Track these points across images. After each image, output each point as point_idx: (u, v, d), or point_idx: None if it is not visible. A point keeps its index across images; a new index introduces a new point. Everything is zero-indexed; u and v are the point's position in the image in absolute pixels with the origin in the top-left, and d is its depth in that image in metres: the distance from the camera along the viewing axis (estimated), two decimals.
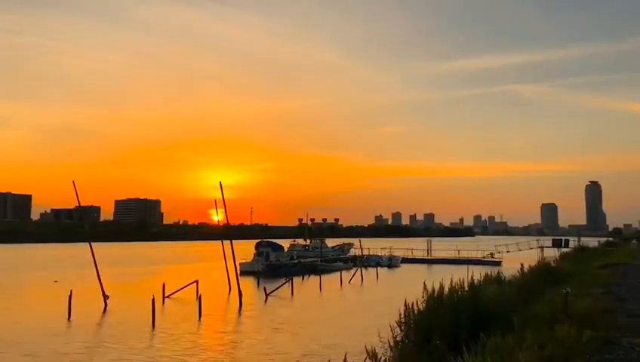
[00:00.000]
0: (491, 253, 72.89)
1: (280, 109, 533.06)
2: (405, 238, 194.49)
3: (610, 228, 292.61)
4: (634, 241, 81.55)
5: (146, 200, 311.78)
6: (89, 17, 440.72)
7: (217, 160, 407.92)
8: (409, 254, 78.12)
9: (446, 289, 11.31)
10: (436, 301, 10.68)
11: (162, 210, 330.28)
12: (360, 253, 70.77)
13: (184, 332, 24.20)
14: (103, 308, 31.05)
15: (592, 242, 76.64)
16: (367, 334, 16.86)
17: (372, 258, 70.43)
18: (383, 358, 8.93)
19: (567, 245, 70.62)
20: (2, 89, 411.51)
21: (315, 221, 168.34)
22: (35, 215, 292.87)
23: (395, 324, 10.50)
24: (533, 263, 26.18)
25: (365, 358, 8.61)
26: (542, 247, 70.35)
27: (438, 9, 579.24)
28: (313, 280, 48.94)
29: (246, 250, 56.60)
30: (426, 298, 10.93)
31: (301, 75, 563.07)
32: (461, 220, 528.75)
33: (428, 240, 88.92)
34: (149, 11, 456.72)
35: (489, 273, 16.70)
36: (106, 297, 32.02)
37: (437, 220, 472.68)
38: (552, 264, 29.99)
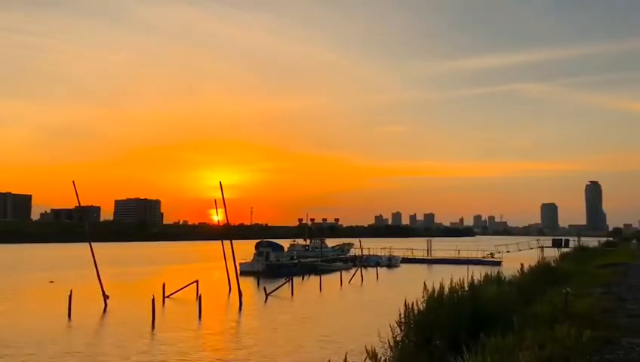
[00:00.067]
0: (491, 253, 72.87)
1: (280, 109, 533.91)
2: (405, 238, 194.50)
3: (610, 228, 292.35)
4: (634, 241, 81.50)
5: (146, 200, 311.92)
6: (89, 17, 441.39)
7: (217, 160, 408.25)
8: (409, 254, 78.11)
9: (446, 289, 11.30)
10: (436, 301, 10.68)
11: (162, 210, 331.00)
12: (360, 253, 70.80)
13: (184, 333, 24.20)
14: (103, 308, 31.05)
15: (592, 242, 76.63)
16: (367, 334, 16.87)
17: (372, 258, 70.42)
18: (383, 358, 8.92)
19: (567, 245, 70.61)
20: (2, 88, 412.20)
21: (315, 221, 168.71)
22: (35, 215, 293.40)
23: (395, 324, 10.50)
24: (533, 263, 26.17)
25: (365, 358, 8.61)
26: (542, 247, 70.34)
27: (439, 9, 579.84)
28: (313, 280, 48.95)
29: (246, 250, 56.61)
30: (426, 298, 10.92)
31: (301, 75, 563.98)
32: (461, 220, 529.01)
33: (428, 240, 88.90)
34: (150, 11, 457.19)
35: (489, 273, 16.69)
36: (106, 297, 32.02)
37: (437, 220, 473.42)
38: (552, 264, 29.99)
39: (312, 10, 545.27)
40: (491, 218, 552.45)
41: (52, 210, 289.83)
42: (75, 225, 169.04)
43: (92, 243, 34.86)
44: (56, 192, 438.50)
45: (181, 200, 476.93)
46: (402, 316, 10.52)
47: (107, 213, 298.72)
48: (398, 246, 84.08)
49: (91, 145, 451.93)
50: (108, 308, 31.16)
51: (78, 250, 62.80)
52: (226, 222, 42.54)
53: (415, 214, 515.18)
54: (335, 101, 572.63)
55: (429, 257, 77.82)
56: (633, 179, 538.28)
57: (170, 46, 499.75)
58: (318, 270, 56.31)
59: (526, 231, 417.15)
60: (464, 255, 73.88)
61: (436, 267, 64.88)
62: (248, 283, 42.95)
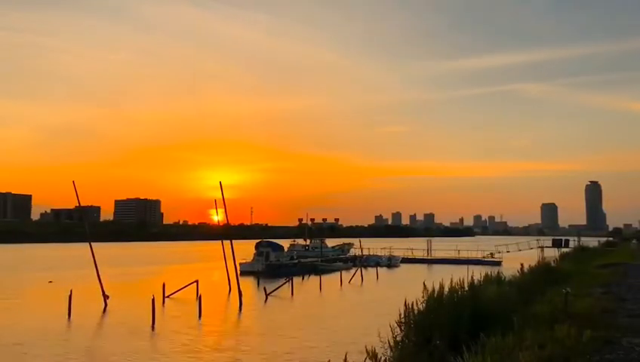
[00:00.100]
0: (491, 253, 72.88)
1: (280, 109, 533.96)
2: (405, 238, 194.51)
3: (610, 228, 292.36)
4: (634, 241, 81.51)
5: (146, 200, 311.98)
6: (89, 17, 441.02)
7: (217, 160, 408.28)
8: (409, 254, 78.12)
9: (446, 289, 11.29)
10: (436, 301, 10.67)
11: (162, 210, 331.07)
12: (360, 253, 70.82)
13: (184, 333, 24.21)
14: (103, 308, 31.06)
15: (592, 242, 76.61)
16: (367, 334, 16.85)
17: (371, 258, 70.45)
18: (383, 358, 8.92)
19: (567, 245, 70.60)
20: (2, 88, 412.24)
21: (315, 221, 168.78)
22: (35, 215, 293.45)
23: (395, 324, 10.49)
24: (533, 263, 26.15)
25: (365, 358, 8.60)
26: (542, 247, 70.33)
27: (439, 9, 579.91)
28: (313, 280, 48.96)
29: (246, 250, 56.62)
30: (426, 298, 10.92)
31: (301, 75, 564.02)
32: (461, 220, 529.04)
33: (428, 240, 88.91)
34: (150, 11, 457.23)
35: (489, 273, 16.67)
36: (106, 297, 32.04)
37: (437, 220, 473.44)
38: (552, 264, 29.97)
39: (312, 11, 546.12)
40: (491, 218, 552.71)
41: (52, 210, 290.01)
42: (75, 225, 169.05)
43: (92, 243, 34.88)
44: (56, 192, 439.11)
45: (181, 200, 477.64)
46: (402, 316, 10.51)
47: (107, 213, 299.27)
48: (398, 246, 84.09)
49: (91, 145, 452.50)
50: (108, 308, 31.18)
51: (78, 250, 62.80)
52: (226, 222, 42.57)
53: (415, 214, 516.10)
54: (335, 101, 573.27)
55: (429, 257, 77.81)
56: (633, 179, 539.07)
57: (171, 46, 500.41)
58: (318, 270, 56.32)
59: (526, 231, 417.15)
60: (464, 255, 73.88)
61: (436, 267, 64.88)
62: (248, 283, 42.96)
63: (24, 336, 22.96)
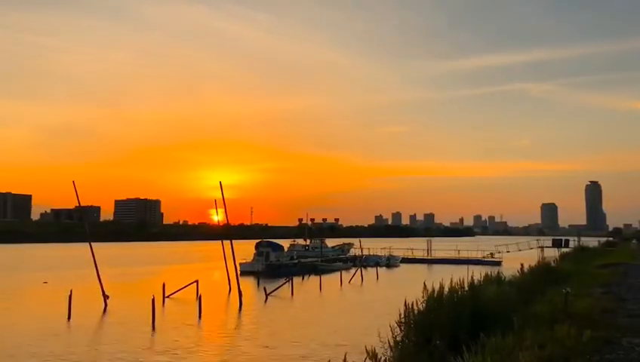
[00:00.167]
0: (491, 253, 72.88)
1: (280, 109, 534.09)
2: (405, 238, 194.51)
3: (610, 228, 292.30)
4: (634, 241, 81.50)
5: (146, 200, 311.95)
6: (90, 16, 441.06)
7: (217, 160, 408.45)
8: (409, 254, 78.13)
9: (446, 289, 11.29)
10: (436, 301, 10.67)
11: (162, 210, 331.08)
12: (360, 253, 70.83)
13: (184, 333, 24.20)
14: (103, 308, 31.05)
15: (592, 242, 76.61)
16: (367, 334, 16.85)
17: (371, 258, 70.46)
18: (383, 358, 8.92)
19: (567, 245, 70.60)
20: (2, 88, 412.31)
21: (315, 221, 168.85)
22: (35, 215, 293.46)
23: (395, 324, 10.49)
24: (533, 263, 26.16)
25: (365, 358, 8.60)
26: (542, 247, 70.33)
27: (439, 8, 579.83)
28: (313, 280, 48.95)
29: (246, 250, 56.61)
30: (426, 298, 10.92)
31: (301, 75, 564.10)
32: (461, 220, 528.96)
33: (428, 240, 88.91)
34: (150, 10, 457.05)
35: (489, 273, 16.68)
36: (106, 297, 32.02)
37: (437, 220, 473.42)
38: (552, 264, 29.99)
39: (312, 10, 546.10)
40: (491, 218, 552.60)
41: (52, 210, 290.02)
42: (75, 225, 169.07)
43: (92, 243, 34.86)
44: (56, 192, 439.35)
45: (181, 200, 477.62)
46: (402, 316, 10.51)
47: (107, 213, 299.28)
48: (398, 246, 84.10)
49: (91, 145, 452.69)
50: (108, 308, 31.16)
51: (78, 250, 62.80)
52: (226, 222, 42.55)
53: (415, 214, 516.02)
54: (335, 101, 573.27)
55: (429, 257, 77.81)
56: (633, 179, 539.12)
57: (171, 46, 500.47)
58: (318, 270, 56.30)
59: (526, 231, 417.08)
60: (464, 255, 73.87)
61: (436, 267, 64.88)
62: (248, 283, 42.95)
63: (24, 337, 22.97)
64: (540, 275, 21.20)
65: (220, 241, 42.85)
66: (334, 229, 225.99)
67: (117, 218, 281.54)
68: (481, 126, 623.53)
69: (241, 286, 35.08)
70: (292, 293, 38.52)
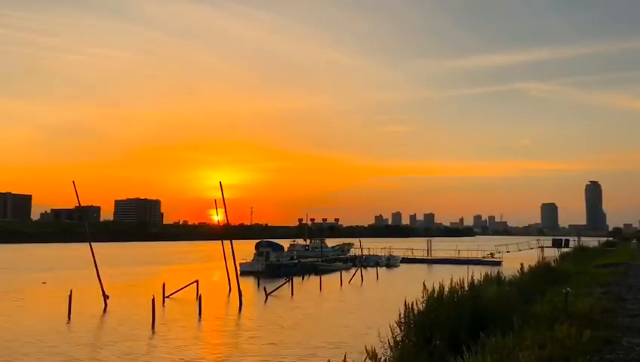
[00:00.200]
0: (491, 253, 72.89)
1: (280, 109, 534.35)
2: (405, 238, 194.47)
3: (610, 228, 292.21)
4: (634, 241, 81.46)
5: (146, 200, 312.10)
6: (90, 15, 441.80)
7: (217, 160, 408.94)
8: (409, 254, 78.15)
9: (446, 289, 11.29)
10: (436, 301, 10.66)
11: (162, 210, 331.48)
12: (360, 253, 70.80)
13: (184, 333, 24.21)
14: (103, 308, 31.06)
15: (592, 242, 76.52)
16: (367, 334, 16.88)
17: (371, 258, 70.49)
18: (383, 358, 8.92)
19: (567, 245, 70.60)
20: (2, 88, 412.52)
21: (315, 221, 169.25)
22: (35, 215, 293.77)
23: (395, 324, 10.49)
24: (533, 263, 26.14)
25: (365, 358, 8.60)
26: (542, 247, 70.37)
27: (440, 8, 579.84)
28: (313, 280, 48.97)
29: (246, 250, 56.63)
30: (426, 298, 10.92)
31: (302, 75, 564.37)
32: (461, 220, 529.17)
33: (428, 240, 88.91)
34: (150, 9, 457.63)
35: (489, 273, 16.66)
36: (106, 297, 32.03)
37: (437, 220, 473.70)
38: (552, 264, 29.95)
39: (313, 9, 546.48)
40: (491, 218, 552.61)
41: (52, 210, 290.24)
42: (75, 225, 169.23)
43: (92, 243, 34.89)
44: (56, 192, 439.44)
45: (181, 200, 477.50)
46: (402, 316, 10.51)
47: (107, 213, 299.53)
48: (398, 246, 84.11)
49: (91, 145, 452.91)
50: (108, 308, 31.17)
51: (78, 250, 62.83)
52: (226, 222, 42.57)
53: (415, 214, 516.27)
54: (335, 101, 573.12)
55: (429, 257, 77.82)
56: (633, 179, 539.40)
57: (171, 45, 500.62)
58: (318, 270, 56.32)
59: (526, 231, 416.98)
60: (464, 255, 73.91)
61: (436, 267, 64.90)
62: (248, 283, 42.95)
63: (24, 337, 22.96)
64: (540, 275, 21.18)
65: (220, 241, 42.85)
66: (334, 229, 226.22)
67: (117, 218, 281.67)
68: (481, 126, 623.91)
69: (241, 286, 35.09)
70: (292, 293, 38.52)
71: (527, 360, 7.12)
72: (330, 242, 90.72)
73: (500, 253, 71.89)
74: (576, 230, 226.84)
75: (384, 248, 79.17)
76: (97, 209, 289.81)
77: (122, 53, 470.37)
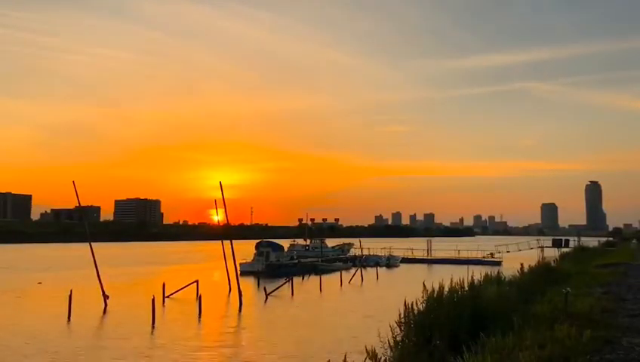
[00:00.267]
0: (491, 253, 72.92)
1: (280, 109, 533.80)
2: (405, 238, 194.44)
3: (610, 228, 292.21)
4: (634, 241, 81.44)
5: (146, 200, 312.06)
6: (90, 15, 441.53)
7: (217, 160, 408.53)
8: (409, 254, 78.19)
9: (446, 289, 11.29)
10: (436, 301, 10.66)
11: (162, 210, 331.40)
12: (360, 253, 70.79)
13: (184, 333, 24.22)
14: (103, 308, 31.06)
15: (592, 242, 76.49)
16: (367, 334, 16.85)
17: (371, 258, 70.52)
18: (383, 358, 8.92)
19: (567, 245, 70.60)
20: (2, 88, 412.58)
21: (315, 221, 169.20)
22: (35, 215, 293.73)
23: (395, 324, 10.49)
24: (533, 263, 26.13)
25: (365, 358, 8.60)
26: (542, 247, 70.36)
27: (440, 8, 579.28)
28: (313, 280, 48.97)
29: (246, 250, 56.63)
30: (425, 298, 10.91)
31: (302, 75, 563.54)
32: (461, 220, 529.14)
33: (428, 240, 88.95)
34: (150, 9, 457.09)
35: (489, 273, 16.64)
36: (106, 297, 32.04)
37: (437, 220, 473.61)
38: (552, 264, 29.94)
39: (313, 9, 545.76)
40: (491, 218, 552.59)
41: (52, 210, 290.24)
42: (75, 225, 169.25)
43: (92, 243, 34.91)
44: (56, 192, 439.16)
45: (181, 200, 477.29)
46: (402, 316, 10.51)
47: (107, 213, 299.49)
48: (398, 246, 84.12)
49: (91, 145, 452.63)
50: (108, 308, 31.17)
51: (78, 250, 62.83)
52: (226, 222, 42.59)
53: (415, 214, 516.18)
54: (335, 101, 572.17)
55: (429, 257, 77.86)
56: (633, 179, 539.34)
57: (171, 45, 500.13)
58: (318, 270, 56.33)
59: (526, 231, 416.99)
60: (464, 255, 73.93)
61: (436, 267, 64.92)
62: (248, 283, 42.96)
63: (24, 337, 22.96)
64: (540, 275, 21.17)
65: (220, 241, 42.86)
66: (334, 229, 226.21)
67: (117, 218, 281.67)
68: (481, 125, 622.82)
69: (241, 286, 35.10)
70: (292, 293, 38.53)
71: (527, 360, 7.12)
72: (330, 242, 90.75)
73: (499, 253, 71.92)
74: (576, 230, 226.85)
75: (384, 248, 79.19)
76: (97, 209, 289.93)
77: (122, 53, 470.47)
